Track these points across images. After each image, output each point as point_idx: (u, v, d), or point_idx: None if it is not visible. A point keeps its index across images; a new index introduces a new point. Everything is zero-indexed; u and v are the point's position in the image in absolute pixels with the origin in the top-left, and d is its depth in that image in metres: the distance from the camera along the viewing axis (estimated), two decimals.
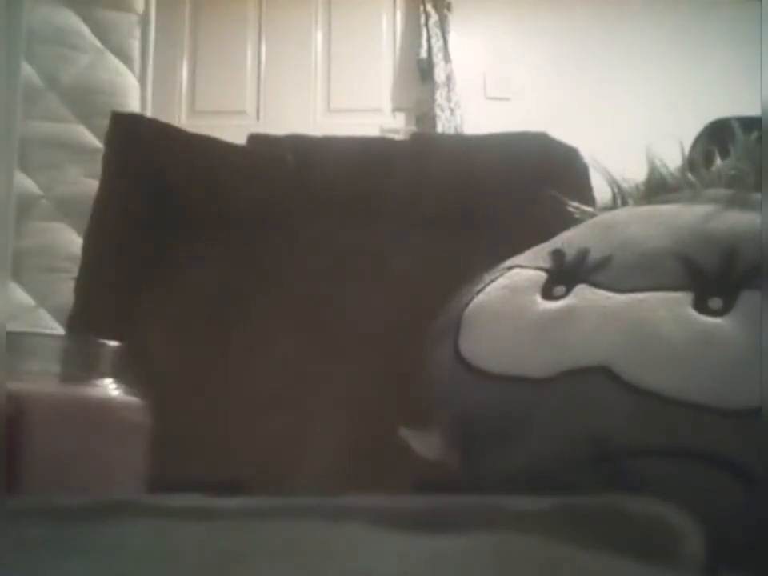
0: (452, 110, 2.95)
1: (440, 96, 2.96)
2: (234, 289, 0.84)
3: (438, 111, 2.94)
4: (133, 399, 0.51)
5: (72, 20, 1.80)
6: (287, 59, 3.12)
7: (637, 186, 0.65)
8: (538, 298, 0.57)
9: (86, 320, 0.84)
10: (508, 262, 0.64)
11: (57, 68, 1.77)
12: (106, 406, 0.50)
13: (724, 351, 0.49)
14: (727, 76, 2.90)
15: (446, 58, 3.03)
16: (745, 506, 0.47)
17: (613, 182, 0.66)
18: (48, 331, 1.55)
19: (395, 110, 3.07)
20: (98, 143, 1.68)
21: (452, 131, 2.88)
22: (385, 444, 0.65)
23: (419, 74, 3.05)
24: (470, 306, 0.60)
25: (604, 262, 0.57)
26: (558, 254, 0.60)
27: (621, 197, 0.65)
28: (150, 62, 1.90)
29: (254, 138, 0.99)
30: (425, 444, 0.60)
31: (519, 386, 0.53)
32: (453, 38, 3.07)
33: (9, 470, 0.44)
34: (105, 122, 0.95)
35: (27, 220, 1.70)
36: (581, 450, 0.49)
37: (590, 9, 3.13)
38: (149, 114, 1.84)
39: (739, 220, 0.57)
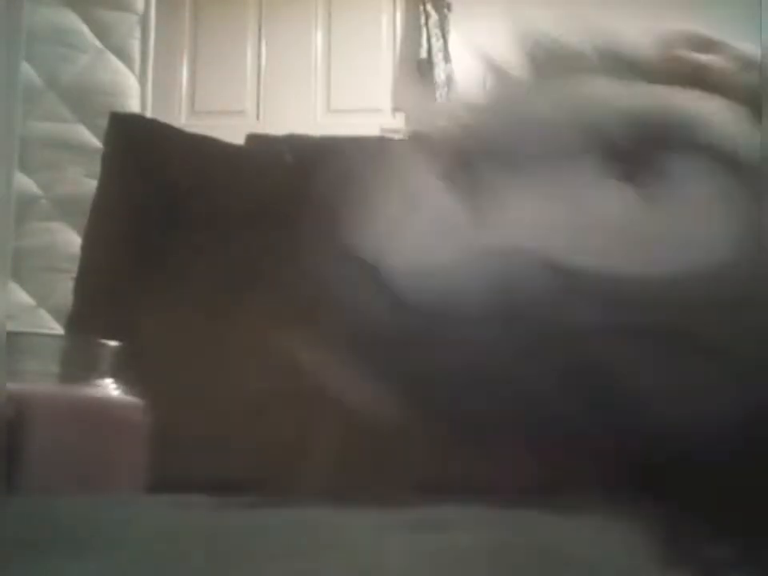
0: None
1: (440, 96, 2.96)
2: (233, 288, 0.84)
3: None
4: (133, 399, 0.51)
5: (72, 20, 1.80)
6: (287, 59, 3.12)
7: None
8: (447, 193, 0.56)
9: (85, 320, 0.84)
10: None
11: (57, 68, 1.77)
12: (105, 406, 0.50)
13: (649, 223, 0.49)
14: None
15: (446, 58, 3.02)
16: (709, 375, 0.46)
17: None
18: (48, 331, 1.55)
19: (395, 110, 3.07)
20: (97, 143, 1.67)
21: None
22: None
23: (419, 74, 3.05)
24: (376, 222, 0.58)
25: (508, 141, 0.56)
26: (461, 151, 0.59)
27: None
28: (150, 62, 1.89)
29: (252, 138, 0.99)
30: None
31: (427, 277, 0.51)
32: (453, 37, 3.07)
33: (9, 470, 0.44)
34: (105, 122, 0.94)
35: (27, 220, 1.70)
36: (534, 341, 0.47)
37: (590, 9, 3.13)
38: (149, 114, 1.84)
39: (636, 90, 0.58)
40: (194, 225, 0.88)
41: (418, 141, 0.64)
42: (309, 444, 0.75)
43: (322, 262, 0.59)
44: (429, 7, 3.09)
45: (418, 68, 3.05)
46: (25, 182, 1.71)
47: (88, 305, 0.86)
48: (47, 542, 0.32)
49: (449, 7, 3.10)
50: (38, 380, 0.49)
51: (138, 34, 1.85)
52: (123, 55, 1.82)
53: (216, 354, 0.81)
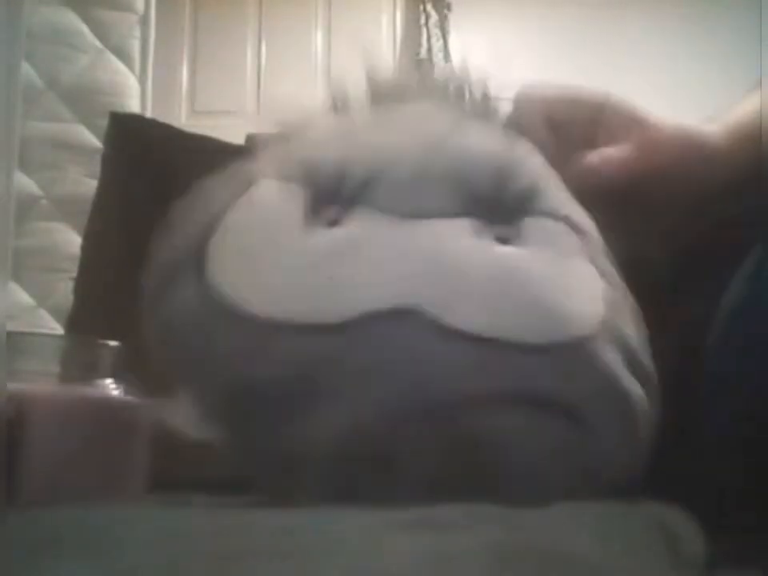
0: None
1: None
2: None
3: None
4: (133, 399, 0.51)
5: (72, 20, 1.80)
6: (287, 59, 3.12)
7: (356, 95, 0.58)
8: (308, 221, 0.48)
9: (86, 320, 0.84)
10: (238, 171, 0.53)
11: (57, 68, 1.77)
12: (105, 406, 0.50)
13: (526, 284, 0.46)
14: (729, 76, 2.90)
15: (446, 58, 3.03)
16: (582, 448, 0.45)
17: (336, 88, 0.59)
18: (48, 331, 1.55)
19: None
20: (97, 143, 1.67)
21: None
22: None
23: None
24: (216, 232, 0.48)
25: (371, 179, 0.49)
26: (310, 166, 0.50)
27: (340, 103, 0.58)
28: (150, 62, 1.89)
29: (252, 138, 0.99)
30: (179, 416, 0.47)
31: (307, 334, 0.44)
32: (453, 37, 3.07)
33: (9, 471, 0.44)
34: (105, 122, 0.95)
35: (27, 220, 1.70)
36: (411, 407, 0.43)
37: (590, 8, 3.13)
38: (149, 114, 1.84)
39: (496, 138, 0.53)
40: None
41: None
42: None
43: None
44: (429, 7, 3.09)
45: (418, 68, 3.05)
46: (25, 182, 1.71)
47: (88, 305, 0.87)
48: (46, 542, 0.32)
49: (449, 7, 3.10)
50: (38, 380, 0.49)
51: (137, 33, 1.85)
52: (123, 55, 1.82)
53: None
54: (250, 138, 0.99)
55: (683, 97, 2.90)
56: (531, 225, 0.48)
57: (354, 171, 0.49)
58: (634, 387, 0.46)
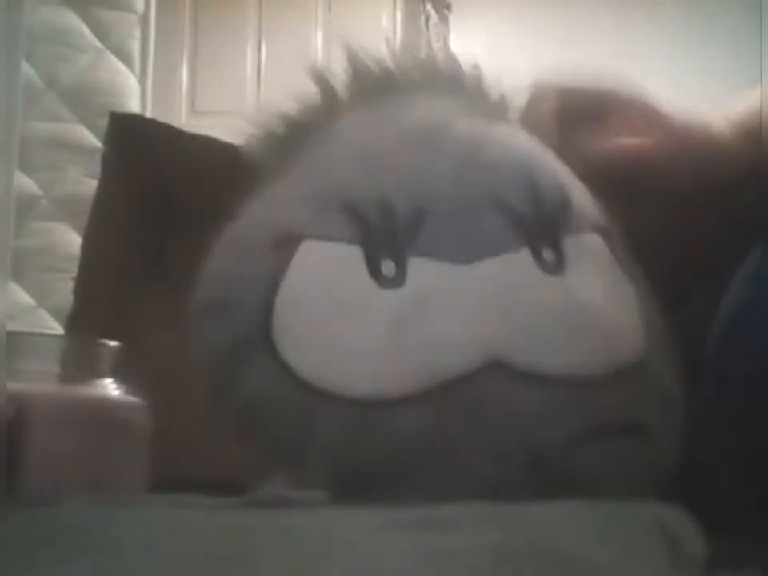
0: None
1: None
2: None
3: None
4: (133, 399, 0.51)
5: (72, 20, 1.80)
6: (287, 59, 3.13)
7: (344, 82, 0.56)
8: (370, 284, 0.45)
9: (85, 320, 0.84)
10: (276, 224, 0.49)
11: (57, 68, 1.77)
12: (105, 406, 0.50)
13: (591, 318, 0.45)
14: (730, 76, 2.90)
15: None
16: (649, 456, 0.46)
17: (320, 78, 0.57)
18: (48, 331, 1.55)
19: None
20: (97, 143, 1.68)
21: None
22: None
23: None
24: (276, 304, 0.46)
25: (417, 219, 0.46)
26: (356, 215, 0.46)
27: (328, 96, 0.56)
28: (150, 62, 1.90)
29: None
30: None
31: (389, 409, 0.43)
32: (453, 37, 3.07)
33: (8, 470, 0.44)
34: (105, 122, 0.95)
35: (27, 220, 1.70)
36: (519, 463, 0.43)
37: (590, 9, 3.13)
38: (149, 114, 1.84)
39: (520, 142, 0.52)
40: (194, 224, 0.88)
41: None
42: None
43: None
44: (429, 7, 3.09)
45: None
46: (25, 182, 1.71)
47: (88, 305, 0.86)
48: (46, 541, 0.32)
49: (449, 7, 3.10)
50: (38, 380, 0.49)
51: (138, 33, 1.85)
52: (123, 55, 1.82)
53: None
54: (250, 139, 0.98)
55: (683, 97, 2.90)
56: (571, 244, 0.48)
57: (399, 210, 0.46)
58: (677, 387, 0.47)
